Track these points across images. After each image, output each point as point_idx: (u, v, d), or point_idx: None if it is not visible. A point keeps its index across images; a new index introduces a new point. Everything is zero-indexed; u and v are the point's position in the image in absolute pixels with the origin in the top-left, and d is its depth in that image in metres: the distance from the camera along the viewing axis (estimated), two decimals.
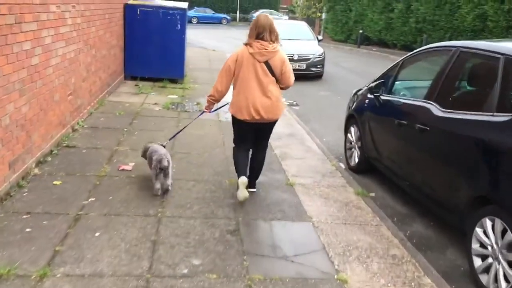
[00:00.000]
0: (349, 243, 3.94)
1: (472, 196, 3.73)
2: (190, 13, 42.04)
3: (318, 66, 13.63)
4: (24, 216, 3.88)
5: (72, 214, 4.00)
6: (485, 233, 3.52)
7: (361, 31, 25.57)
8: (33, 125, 4.80)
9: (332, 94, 11.52)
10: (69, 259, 3.33)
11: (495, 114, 3.59)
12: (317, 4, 35.75)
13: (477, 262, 3.60)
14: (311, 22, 30.54)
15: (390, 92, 5.36)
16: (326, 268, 3.54)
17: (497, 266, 3.36)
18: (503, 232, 3.33)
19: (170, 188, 4.67)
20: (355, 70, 16.20)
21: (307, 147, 6.63)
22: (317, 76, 13.77)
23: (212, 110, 4.89)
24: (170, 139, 5.40)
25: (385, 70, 5.68)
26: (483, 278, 3.49)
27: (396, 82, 5.39)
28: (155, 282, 3.16)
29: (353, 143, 6.12)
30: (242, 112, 4.39)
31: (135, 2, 10.27)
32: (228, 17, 46.75)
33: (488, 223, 3.49)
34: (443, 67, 4.41)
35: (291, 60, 12.96)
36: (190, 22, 40.05)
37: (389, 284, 3.40)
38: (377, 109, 5.47)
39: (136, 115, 7.55)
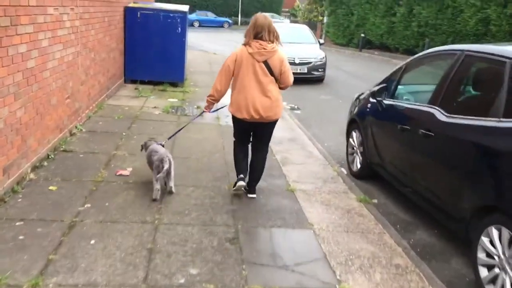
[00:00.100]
0: (351, 251, 3.83)
1: (477, 204, 3.62)
2: (192, 16, 42.09)
3: (320, 70, 13.54)
4: (18, 223, 3.78)
5: (67, 221, 3.89)
6: (491, 242, 3.41)
7: (363, 35, 25.50)
8: (29, 129, 4.71)
9: (334, 98, 11.42)
10: (62, 269, 3.22)
11: (502, 119, 3.48)
12: (318, 7, 35.76)
13: (483, 272, 3.48)
14: (312, 25, 30.53)
15: (393, 96, 5.26)
16: (328, 278, 3.43)
17: (504, 277, 3.25)
18: (510, 242, 3.23)
19: (173, 190, 4.60)
20: (357, 74, 16.11)
21: (308, 152, 6.53)
22: (319, 80, 13.68)
23: (212, 110, 4.89)
24: (169, 138, 5.36)
25: (387, 74, 5.58)
26: None
27: (399, 87, 5.29)
28: None
29: (355, 148, 6.01)
30: (241, 111, 4.41)
31: (135, 5, 10.20)
32: (230, 21, 46.77)
33: (494, 232, 3.38)
34: (448, 71, 4.31)
35: (293, 63, 12.90)
36: (191, 25, 40.07)
37: None
38: (380, 113, 5.36)
39: (135, 119, 7.45)
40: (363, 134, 5.73)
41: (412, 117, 4.69)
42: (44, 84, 5.10)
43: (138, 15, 9.96)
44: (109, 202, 4.35)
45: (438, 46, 5.16)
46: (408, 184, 4.78)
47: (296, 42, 14.22)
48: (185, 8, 10.79)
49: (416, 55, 5.25)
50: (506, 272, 3.24)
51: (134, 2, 10.58)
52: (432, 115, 4.22)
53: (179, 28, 10.15)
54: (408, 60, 5.30)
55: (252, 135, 4.75)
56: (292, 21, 41.52)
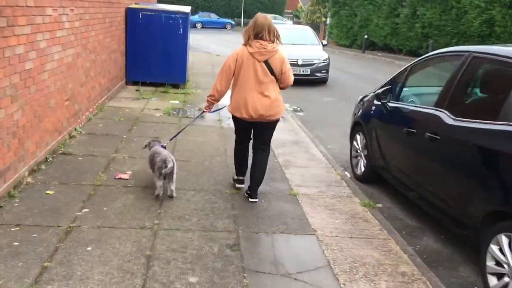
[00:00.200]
0: (356, 259, 3.72)
1: (486, 210, 3.51)
2: (195, 18, 42.05)
3: (323, 72, 13.43)
4: (13, 229, 3.69)
5: (63, 227, 3.79)
6: (501, 250, 3.30)
7: (366, 36, 25.37)
8: (26, 132, 4.61)
9: (337, 100, 11.31)
10: (57, 277, 3.12)
11: (511, 123, 3.37)
12: (321, 9, 35.67)
13: (492, 281, 3.37)
14: (315, 27, 30.40)
15: (397, 98, 5.14)
16: (331, 287, 3.32)
17: None
18: None
19: (174, 194, 4.53)
20: (360, 75, 15.99)
21: (311, 155, 6.42)
22: (322, 82, 13.57)
23: (212, 110, 4.88)
24: (170, 140, 5.32)
25: (392, 76, 5.47)
26: None
27: (404, 89, 5.18)
28: None
29: (359, 151, 5.90)
30: (241, 111, 4.41)
31: (137, 6, 10.12)
32: (233, 22, 46.71)
33: (504, 240, 3.27)
34: (455, 73, 4.19)
35: (296, 65, 12.80)
36: (194, 27, 40.05)
37: None
38: (384, 116, 5.25)
39: (136, 121, 7.36)
40: (367, 137, 5.61)
41: (417, 120, 4.57)
42: (42, 86, 5.01)
43: (140, 16, 9.88)
44: (108, 206, 4.25)
45: (442, 47, 5.07)
46: (413, 188, 4.67)
47: (299, 44, 14.14)
48: (187, 9, 10.71)
49: (422, 57, 5.13)
50: None
51: (135, 3, 10.51)
52: (439, 118, 4.11)
53: (181, 29, 10.06)
54: (414, 61, 5.18)
55: (253, 136, 4.71)
56: (295, 22, 41.42)
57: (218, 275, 3.31)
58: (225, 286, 3.19)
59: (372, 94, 5.77)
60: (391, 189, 5.35)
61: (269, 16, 4.64)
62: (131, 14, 9.87)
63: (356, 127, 6.06)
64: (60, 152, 5.53)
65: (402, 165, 4.91)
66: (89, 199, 4.38)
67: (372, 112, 5.56)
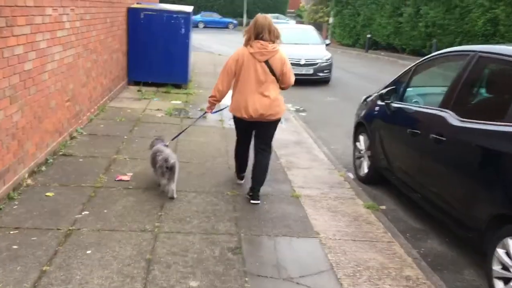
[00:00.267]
0: (359, 262, 3.66)
1: (492, 213, 3.44)
2: (197, 17, 42.00)
3: (326, 71, 13.35)
4: (12, 232, 3.64)
5: (63, 230, 3.75)
6: (507, 254, 3.23)
7: (369, 36, 25.26)
8: (26, 134, 4.57)
9: (340, 100, 11.23)
10: (56, 281, 3.07)
11: None
12: (324, 8, 35.55)
13: (499, 285, 3.30)
14: (318, 26, 30.24)
15: (401, 99, 5.07)
16: None
17: None
18: None
19: (175, 195, 4.50)
20: (363, 75, 15.91)
21: (314, 156, 6.36)
22: (325, 82, 13.49)
23: (214, 111, 4.89)
24: (172, 139, 5.32)
25: (396, 76, 5.41)
26: None
27: (409, 89, 5.11)
28: None
29: (362, 152, 5.84)
30: (241, 111, 4.43)
31: (138, 6, 10.08)
32: (235, 22, 46.62)
33: (511, 243, 3.20)
34: (460, 73, 4.12)
35: (298, 65, 12.74)
36: (196, 26, 40.00)
37: None
38: (388, 117, 5.19)
39: (137, 122, 7.31)
40: (370, 138, 5.55)
41: (422, 120, 4.51)
42: (42, 87, 4.97)
43: (142, 16, 9.84)
44: (108, 209, 4.20)
45: (445, 46, 5.01)
46: (417, 190, 4.60)
47: (302, 43, 14.06)
48: (189, 8, 10.65)
49: (426, 57, 5.06)
50: None
51: (137, 3, 10.46)
52: (444, 119, 4.04)
53: (183, 29, 10.01)
54: (418, 61, 5.11)
55: (254, 136, 4.70)
56: (297, 22, 41.31)
57: (219, 279, 3.25)
58: None
59: (375, 94, 5.70)
60: (395, 190, 5.28)
61: (270, 16, 4.62)
62: (132, 14, 9.82)
63: (359, 128, 5.99)
64: (60, 153, 5.48)
65: (406, 166, 4.84)
66: (89, 201, 4.33)
67: (375, 112, 5.49)
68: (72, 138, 6.05)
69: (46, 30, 4.99)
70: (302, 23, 37.81)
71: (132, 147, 6.04)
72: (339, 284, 3.34)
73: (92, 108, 7.15)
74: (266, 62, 4.32)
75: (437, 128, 4.12)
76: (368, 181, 5.67)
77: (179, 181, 4.69)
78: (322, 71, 13.24)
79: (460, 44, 17.64)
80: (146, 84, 10.10)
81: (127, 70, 9.95)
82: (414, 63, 5.16)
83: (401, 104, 5.02)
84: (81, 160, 5.38)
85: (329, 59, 13.43)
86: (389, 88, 5.25)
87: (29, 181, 4.58)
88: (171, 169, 4.42)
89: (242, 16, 49.50)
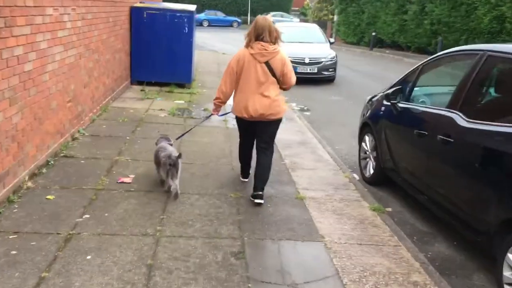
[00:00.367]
0: (365, 267, 3.57)
1: (502, 217, 3.34)
2: (201, 16, 41.93)
3: (330, 70, 13.24)
4: (11, 236, 3.57)
5: (63, 234, 3.68)
6: None
7: (374, 34, 25.12)
8: (26, 136, 4.50)
9: (345, 99, 11.12)
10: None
11: None
12: (329, 6, 35.41)
13: None
14: (322, 24, 30.13)
15: (408, 99, 4.97)
16: None
17: None
18: None
19: (179, 191, 4.47)
20: (368, 73, 15.78)
21: (318, 156, 6.27)
22: (329, 80, 13.38)
23: (220, 114, 4.97)
24: (177, 139, 5.34)
25: (402, 75, 5.30)
26: None
27: (415, 89, 5.01)
28: None
29: (367, 152, 5.74)
30: (241, 111, 4.49)
31: (141, 5, 10.00)
32: (239, 20, 46.51)
33: None
34: (468, 72, 4.02)
35: (302, 63, 12.64)
36: (201, 25, 39.93)
37: None
38: (394, 117, 5.09)
39: (140, 122, 7.25)
40: (376, 138, 5.45)
41: (429, 121, 4.41)
42: (43, 88, 4.90)
43: (145, 15, 9.76)
44: (109, 212, 4.13)
45: (451, 44, 4.92)
46: (424, 192, 4.51)
47: (306, 42, 13.97)
48: (192, 7, 10.57)
49: (433, 56, 4.96)
50: None
51: (140, 2, 10.38)
52: (452, 119, 3.95)
53: (186, 28, 9.93)
54: (425, 61, 5.01)
55: (256, 136, 4.71)
56: (301, 20, 41.16)
57: (221, 285, 3.18)
58: None
59: (381, 94, 5.60)
60: (401, 191, 5.19)
61: (271, 15, 4.59)
62: (135, 13, 9.75)
63: (365, 128, 5.89)
64: (62, 154, 5.42)
65: (412, 168, 4.75)
66: (90, 204, 4.26)
67: (381, 112, 5.39)
68: (74, 139, 5.99)
69: (46, 30, 4.92)
70: (306, 21, 37.66)
71: (134, 148, 5.97)
72: None
73: (94, 109, 7.08)
74: (267, 63, 4.37)
75: (444, 129, 4.02)
76: (374, 182, 5.58)
77: (182, 183, 4.63)
78: (326, 69, 13.12)
79: (465, 42, 17.51)
80: (149, 83, 10.03)
81: (130, 69, 9.88)
82: (421, 62, 5.05)
83: (407, 104, 4.92)
84: (82, 161, 5.32)
85: (333, 58, 13.31)
86: (395, 88, 5.15)
87: (29, 184, 4.51)
88: (174, 165, 4.44)
89: (246, 15, 49.40)
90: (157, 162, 4.68)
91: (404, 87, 5.07)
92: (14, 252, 3.37)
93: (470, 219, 3.77)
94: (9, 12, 4.02)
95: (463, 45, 15.67)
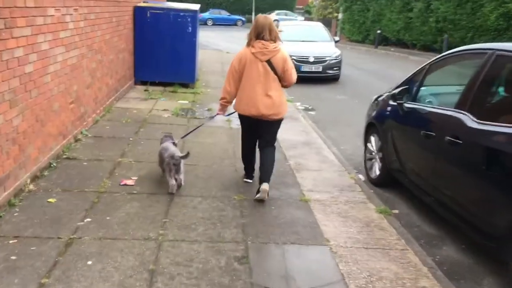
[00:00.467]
0: (372, 272, 3.49)
1: None
2: (205, 15, 41.86)
3: (335, 69, 13.13)
4: (11, 241, 3.52)
5: (64, 238, 3.62)
6: None
7: (379, 31, 24.96)
8: (28, 138, 4.45)
9: (350, 98, 11.02)
10: None
11: None
12: (333, 4, 35.24)
13: None
14: (327, 22, 30.00)
15: (415, 99, 4.88)
16: None
17: None
18: None
19: (183, 183, 4.62)
20: (374, 72, 15.66)
21: (323, 157, 6.18)
22: (334, 79, 13.27)
23: (226, 114, 5.03)
24: (182, 138, 5.41)
25: (409, 75, 5.21)
26: None
27: (422, 88, 4.91)
28: None
29: (373, 153, 5.66)
30: (243, 109, 4.58)
31: (145, 4, 9.94)
32: (243, 19, 46.39)
33: None
34: (477, 72, 3.93)
35: (307, 62, 12.55)
36: (205, 24, 39.88)
37: None
38: (401, 117, 5.00)
39: (143, 123, 7.19)
40: (382, 139, 5.36)
41: (437, 122, 4.32)
42: (44, 90, 4.85)
43: (148, 15, 9.70)
44: (111, 216, 4.07)
45: (456, 42, 4.81)
46: (431, 193, 4.42)
47: (311, 40, 13.87)
48: (196, 7, 10.50)
49: (441, 55, 4.86)
50: None
51: (144, 2, 10.33)
52: (460, 120, 3.85)
53: (190, 28, 9.87)
54: (432, 60, 4.91)
55: (258, 135, 4.76)
56: (306, 18, 40.99)
57: None
58: None
59: (387, 94, 5.51)
60: (408, 193, 5.10)
61: (273, 15, 4.58)
62: (139, 13, 9.70)
63: (370, 128, 5.81)
64: (64, 156, 5.37)
65: (419, 169, 4.66)
66: (92, 207, 4.21)
67: (387, 113, 5.30)
68: (76, 140, 5.94)
69: (48, 31, 4.86)
70: (311, 19, 37.49)
71: (137, 149, 5.91)
72: None
73: (97, 109, 7.03)
74: (268, 61, 4.43)
75: (452, 130, 3.93)
76: (380, 183, 5.49)
77: (185, 185, 4.59)
78: (331, 68, 13.01)
79: (471, 39, 17.34)
80: (153, 83, 9.98)
81: (134, 69, 9.84)
82: (428, 62, 4.95)
83: (414, 104, 4.83)
84: (85, 163, 5.26)
85: (338, 56, 13.20)
86: (401, 88, 5.06)
87: (31, 187, 4.46)
88: (177, 165, 4.54)
89: (250, 13, 49.18)
90: (161, 163, 4.74)
91: (410, 86, 4.98)
92: (14, 257, 3.31)
93: (479, 222, 3.69)
94: (9, 13, 3.96)
95: (469, 42, 15.50)
